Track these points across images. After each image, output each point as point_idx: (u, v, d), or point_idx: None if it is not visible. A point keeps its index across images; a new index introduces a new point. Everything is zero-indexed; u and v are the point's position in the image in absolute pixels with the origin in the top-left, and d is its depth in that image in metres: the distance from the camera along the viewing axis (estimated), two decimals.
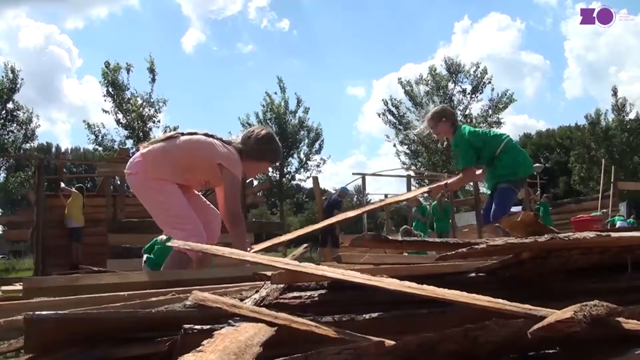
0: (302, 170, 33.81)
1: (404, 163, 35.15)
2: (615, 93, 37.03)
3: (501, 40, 53.85)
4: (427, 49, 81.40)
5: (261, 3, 57.63)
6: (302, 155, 33.86)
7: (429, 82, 34.92)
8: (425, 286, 1.54)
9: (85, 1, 59.55)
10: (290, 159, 33.59)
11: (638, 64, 56.45)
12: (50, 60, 54.46)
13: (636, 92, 57.04)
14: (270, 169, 32.26)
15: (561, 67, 69.89)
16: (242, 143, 3.96)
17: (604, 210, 17.51)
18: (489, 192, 5.97)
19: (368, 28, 68.16)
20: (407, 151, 35.53)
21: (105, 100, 29.43)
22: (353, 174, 31.25)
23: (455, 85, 35.00)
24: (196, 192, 4.12)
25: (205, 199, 4.17)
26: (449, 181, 5.72)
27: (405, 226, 12.86)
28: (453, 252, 1.90)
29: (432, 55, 77.14)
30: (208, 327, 1.38)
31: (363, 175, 17.55)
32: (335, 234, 13.41)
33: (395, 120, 35.80)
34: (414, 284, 1.55)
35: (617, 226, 14.57)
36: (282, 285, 1.81)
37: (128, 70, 29.23)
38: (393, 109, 35.83)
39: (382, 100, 36.78)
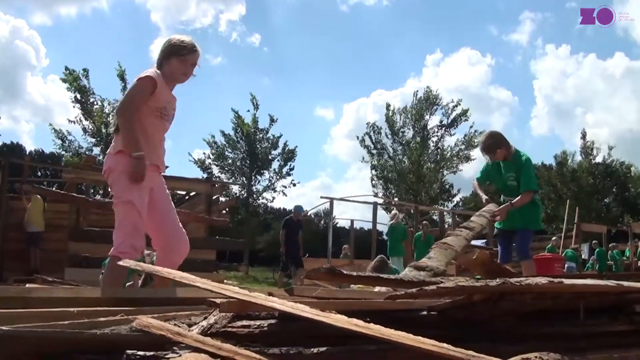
0: (270, 189, 33.23)
1: (373, 186, 35.34)
2: (584, 136, 37.73)
3: (471, 74, 54.76)
4: (399, 77, 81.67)
5: (233, 16, 57.61)
6: (271, 174, 33.24)
7: (410, 110, 35.16)
8: (371, 325, 1.54)
9: None
10: (259, 177, 33.14)
11: (604, 108, 57.59)
12: (15, 56, 53.24)
13: (602, 135, 58.09)
14: (236, 187, 31.88)
15: (529, 105, 70.98)
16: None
17: (554, 238, 17.86)
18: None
19: (340, 51, 68.41)
20: (380, 175, 35.59)
21: (73, 107, 29.02)
22: (321, 197, 31.22)
23: (430, 117, 35.34)
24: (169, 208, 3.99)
25: (176, 218, 4.01)
26: (515, 201, 5.82)
27: (381, 255, 12.48)
28: (402, 293, 1.90)
29: (402, 84, 77.53)
30: (151, 353, 1.37)
31: (331, 200, 17.58)
32: (299, 256, 13.34)
33: (372, 145, 35.97)
34: (360, 322, 1.55)
35: (566, 266, 14.84)
36: (231, 313, 1.80)
37: (86, 75, 28.83)
38: (372, 134, 36.00)
39: (367, 123, 36.97)
